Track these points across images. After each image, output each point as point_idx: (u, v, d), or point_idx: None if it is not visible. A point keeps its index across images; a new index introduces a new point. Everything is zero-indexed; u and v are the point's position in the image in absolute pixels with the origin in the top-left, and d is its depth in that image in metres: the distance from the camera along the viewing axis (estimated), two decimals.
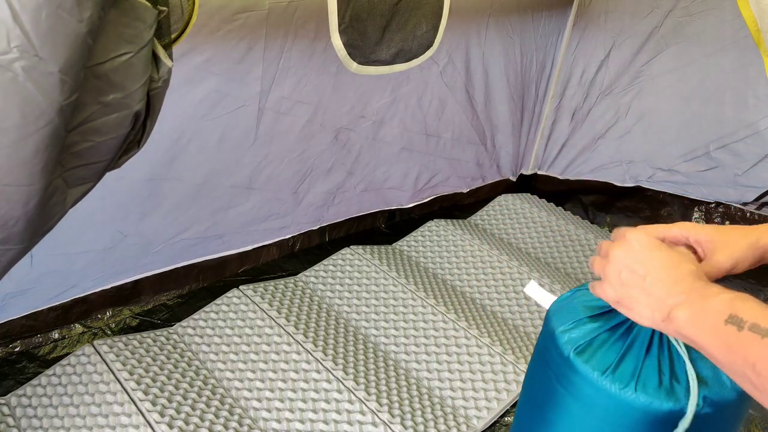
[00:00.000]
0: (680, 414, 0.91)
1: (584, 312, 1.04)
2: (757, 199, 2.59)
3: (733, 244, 0.93)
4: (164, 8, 1.10)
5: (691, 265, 0.85)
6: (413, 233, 2.74)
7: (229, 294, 2.21)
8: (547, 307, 1.14)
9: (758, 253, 0.93)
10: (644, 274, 0.85)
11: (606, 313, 1.02)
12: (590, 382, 0.97)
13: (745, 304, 0.72)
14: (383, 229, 2.86)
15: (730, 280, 2.50)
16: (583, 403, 1.00)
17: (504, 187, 3.21)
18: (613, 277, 0.89)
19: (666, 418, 0.92)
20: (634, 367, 0.95)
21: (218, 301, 2.18)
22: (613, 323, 1.00)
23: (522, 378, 1.96)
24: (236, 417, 1.76)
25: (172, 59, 1.15)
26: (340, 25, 2.01)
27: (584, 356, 0.98)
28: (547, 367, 1.06)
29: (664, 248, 0.88)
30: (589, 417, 1.00)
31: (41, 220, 1.01)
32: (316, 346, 2.01)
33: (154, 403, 1.72)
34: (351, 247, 2.55)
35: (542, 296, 1.27)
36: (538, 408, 1.11)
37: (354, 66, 2.13)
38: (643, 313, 0.85)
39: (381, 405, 1.82)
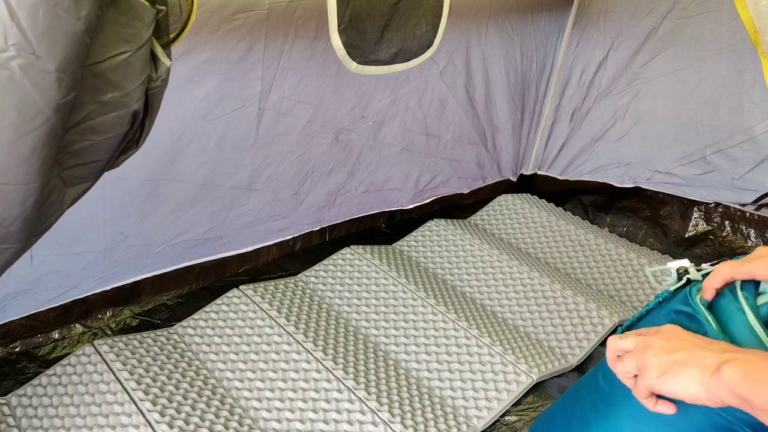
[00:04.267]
0: None
1: None
2: (755, 201, 2.59)
3: None
4: (163, 7, 1.10)
5: (721, 343, 0.84)
6: (413, 233, 2.74)
7: (229, 294, 2.21)
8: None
9: None
10: (686, 344, 0.83)
11: None
12: None
13: None
14: (383, 229, 2.86)
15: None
16: None
17: (504, 187, 3.21)
18: (651, 354, 0.85)
19: None
20: None
21: (218, 301, 2.18)
22: None
23: (522, 378, 1.96)
24: (236, 417, 1.76)
25: (170, 58, 1.15)
26: (339, 25, 2.01)
27: None
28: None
29: (686, 332, 0.88)
30: None
31: (39, 219, 1.01)
32: (316, 345, 2.01)
33: (154, 403, 1.72)
34: (351, 246, 2.55)
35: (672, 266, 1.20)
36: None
37: (353, 66, 2.13)
38: (690, 374, 0.79)
39: (381, 404, 1.82)
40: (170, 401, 1.74)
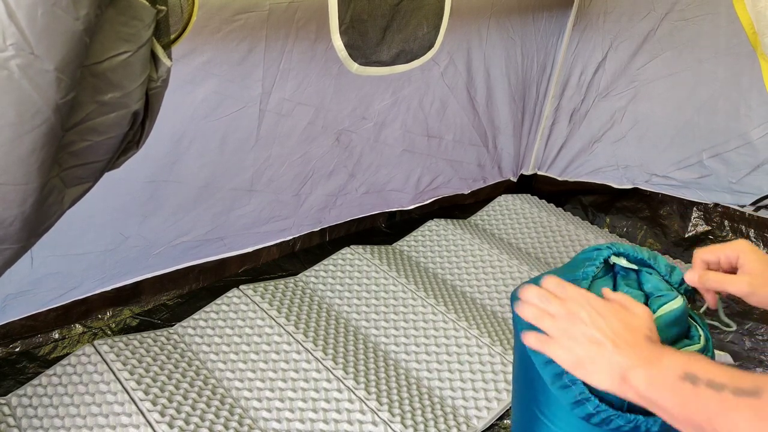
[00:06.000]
0: None
1: None
2: (754, 203, 2.59)
3: (763, 276, 0.95)
4: (163, 7, 1.10)
5: (647, 331, 0.85)
6: (413, 233, 2.74)
7: (229, 294, 2.21)
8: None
9: None
10: (604, 336, 0.84)
11: None
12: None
13: (699, 363, 0.74)
14: (383, 228, 2.87)
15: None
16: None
17: (504, 187, 3.21)
18: (555, 333, 0.87)
19: None
20: None
21: (218, 300, 2.18)
22: None
23: None
24: (236, 417, 1.76)
25: (171, 59, 1.15)
26: (340, 26, 2.01)
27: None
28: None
29: (622, 310, 0.88)
30: None
31: (38, 219, 1.01)
32: (316, 345, 2.01)
33: (154, 403, 1.72)
34: (351, 246, 2.55)
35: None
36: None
37: (355, 67, 2.13)
38: (598, 377, 0.83)
39: (381, 404, 1.82)
40: (170, 401, 1.75)
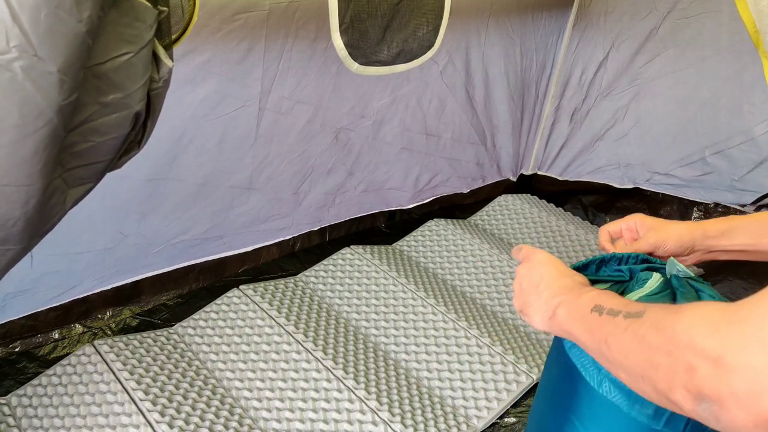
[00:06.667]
0: None
1: None
2: (755, 202, 2.59)
3: (666, 230, 1.11)
4: (165, 8, 1.10)
5: (578, 277, 0.96)
6: (413, 233, 2.74)
7: (229, 294, 2.21)
8: None
9: (703, 244, 1.09)
10: (538, 282, 0.96)
11: None
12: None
13: (607, 297, 0.82)
14: (383, 228, 2.87)
15: (731, 280, 2.48)
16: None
17: (504, 187, 3.21)
18: (516, 289, 1.00)
19: None
20: None
21: (218, 300, 2.18)
22: None
23: (522, 378, 1.96)
24: (236, 417, 1.76)
25: (172, 59, 1.15)
26: (341, 26, 2.01)
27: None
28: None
29: (559, 264, 0.99)
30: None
31: (41, 220, 1.01)
32: (316, 345, 2.01)
33: (154, 403, 1.72)
34: (351, 246, 2.55)
35: None
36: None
37: (355, 66, 2.13)
38: (535, 317, 0.94)
39: (381, 404, 1.82)
40: (170, 401, 1.74)
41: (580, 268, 1.08)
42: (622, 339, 0.72)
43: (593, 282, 1.03)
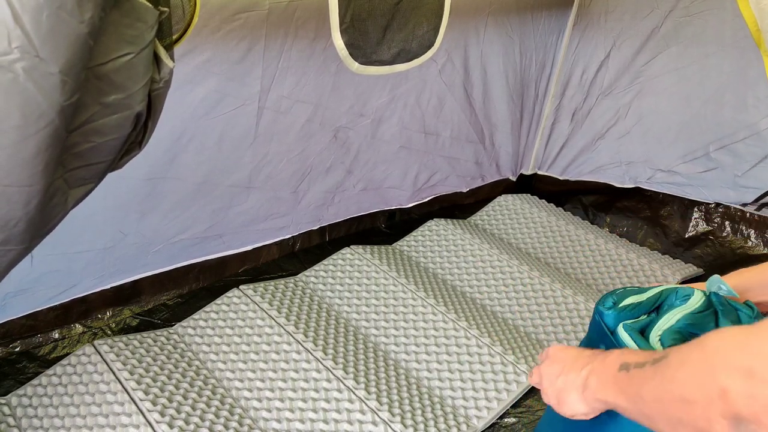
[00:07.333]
0: None
1: None
2: (756, 200, 2.59)
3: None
4: (165, 9, 1.10)
5: (584, 351, 0.94)
6: (413, 233, 2.74)
7: (229, 294, 2.21)
8: None
9: None
10: (561, 368, 0.94)
11: None
12: None
13: (630, 353, 0.82)
14: (383, 228, 2.86)
15: None
16: None
17: (504, 186, 3.21)
18: (545, 386, 0.97)
19: None
20: None
21: (218, 300, 2.18)
22: None
23: (522, 378, 1.96)
24: (236, 417, 1.76)
25: (173, 60, 1.15)
26: (341, 25, 2.01)
27: None
28: None
29: (572, 347, 0.98)
30: None
31: (42, 220, 1.01)
32: (316, 345, 2.01)
33: (154, 403, 1.72)
34: (351, 246, 2.55)
35: None
36: None
37: (355, 66, 2.13)
38: (572, 396, 0.90)
39: (381, 404, 1.82)
40: (170, 401, 1.74)
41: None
42: (653, 386, 0.71)
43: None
